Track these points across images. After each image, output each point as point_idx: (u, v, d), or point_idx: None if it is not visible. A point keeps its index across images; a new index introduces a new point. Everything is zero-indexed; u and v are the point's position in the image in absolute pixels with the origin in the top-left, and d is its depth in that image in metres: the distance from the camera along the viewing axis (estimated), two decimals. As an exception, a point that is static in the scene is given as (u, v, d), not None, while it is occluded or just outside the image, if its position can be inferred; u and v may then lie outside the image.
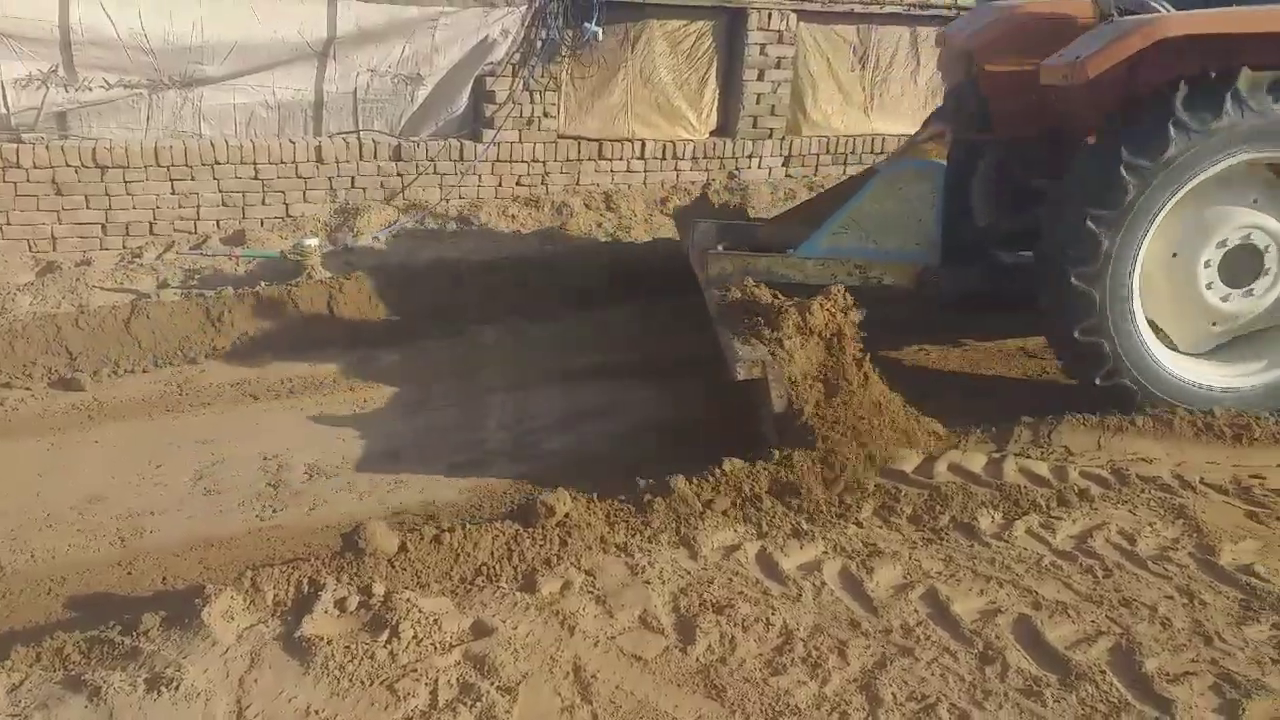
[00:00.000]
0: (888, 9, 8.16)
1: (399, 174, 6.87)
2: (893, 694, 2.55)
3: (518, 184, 7.24)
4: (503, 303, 5.50)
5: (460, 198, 7.05)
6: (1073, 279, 3.99)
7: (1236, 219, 4.11)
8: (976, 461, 3.74)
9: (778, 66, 7.90)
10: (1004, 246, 4.82)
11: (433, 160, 6.93)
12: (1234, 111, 3.84)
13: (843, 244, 4.52)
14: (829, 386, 3.70)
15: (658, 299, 5.59)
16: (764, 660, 2.66)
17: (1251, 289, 4.19)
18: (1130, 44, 3.87)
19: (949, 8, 8.35)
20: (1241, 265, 4.15)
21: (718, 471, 3.44)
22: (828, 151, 8.22)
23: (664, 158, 7.69)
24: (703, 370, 4.39)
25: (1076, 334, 4.06)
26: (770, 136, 8.01)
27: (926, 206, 4.50)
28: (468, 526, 3.06)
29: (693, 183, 7.70)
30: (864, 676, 2.61)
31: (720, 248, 4.75)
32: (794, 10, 7.85)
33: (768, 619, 2.81)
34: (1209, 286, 4.17)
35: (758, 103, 7.90)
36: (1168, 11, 4.08)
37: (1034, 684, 2.60)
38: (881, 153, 8.32)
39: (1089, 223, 3.93)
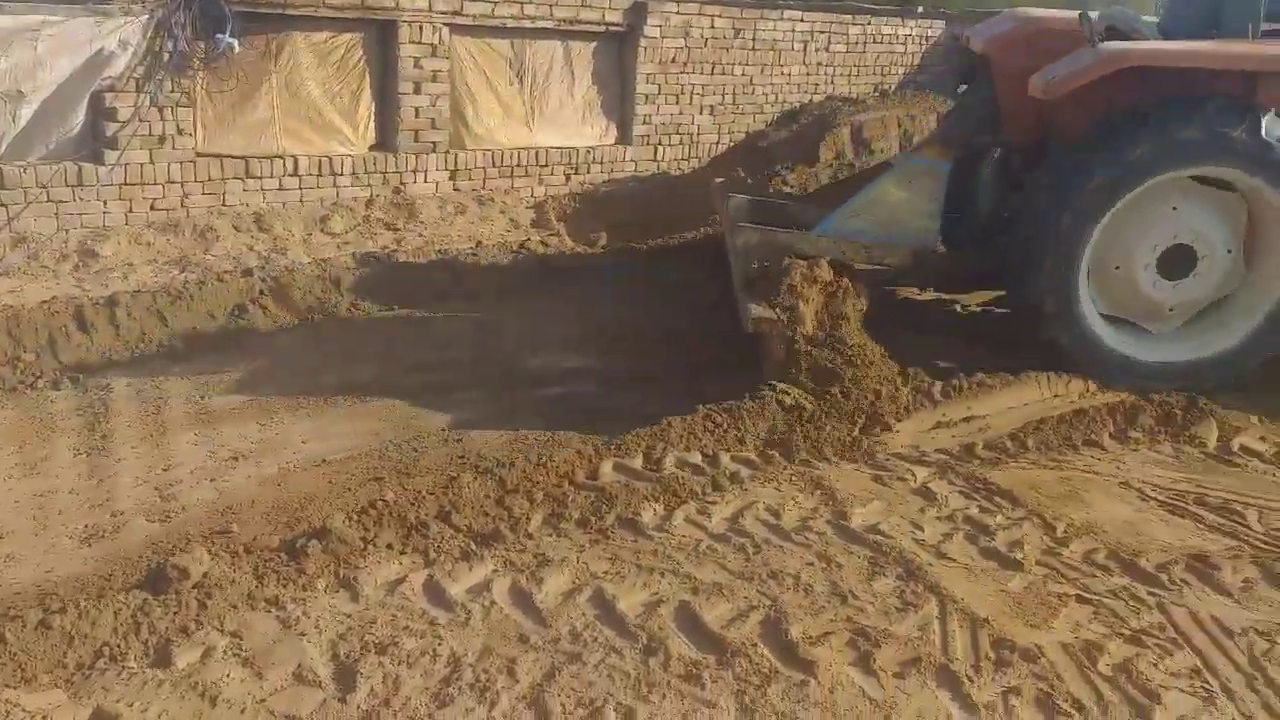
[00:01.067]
0: (539, 24, 8.31)
1: (2, 204, 6.01)
2: (561, 704, 2.55)
3: (152, 208, 6.58)
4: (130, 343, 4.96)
5: (82, 226, 6.29)
6: (1030, 249, 4.77)
7: (1164, 226, 4.86)
8: (638, 459, 3.86)
9: (434, 80, 7.79)
10: (1003, 233, 5.28)
11: (45, 187, 6.14)
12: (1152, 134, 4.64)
13: (853, 226, 5.09)
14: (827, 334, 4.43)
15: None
16: (430, 694, 2.56)
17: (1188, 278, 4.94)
18: (1090, 70, 4.65)
19: (598, 24, 8.66)
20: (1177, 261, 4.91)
21: (380, 504, 3.29)
22: (494, 164, 8.23)
23: (320, 174, 7.33)
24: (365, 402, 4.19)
25: (1028, 296, 4.88)
26: (434, 150, 7.89)
27: (931, 199, 5.07)
28: (83, 604, 2.69)
29: (354, 199, 7.41)
30: (533, 692, 2.59)
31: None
32: (446, 24, 7.78)
33: (434, 650, 2.71)
34: (1154, 285, 4.93)
35: (417, 116, 7.75)
36: (1145, 39, 4.92)
37: (694, 668, 2.71)
38: (545, 165, 8.48)
39: (1051, 207, 4.71)
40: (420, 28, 7.63)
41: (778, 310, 4.47)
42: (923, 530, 3.56)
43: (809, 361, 4.36)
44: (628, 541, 3.35)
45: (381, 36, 7.57)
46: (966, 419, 4.46)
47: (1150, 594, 3.23)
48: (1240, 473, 4.20)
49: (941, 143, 5.54)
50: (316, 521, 3.29)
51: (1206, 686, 2.76)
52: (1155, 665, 2.84)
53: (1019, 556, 3.42)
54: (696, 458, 3.94)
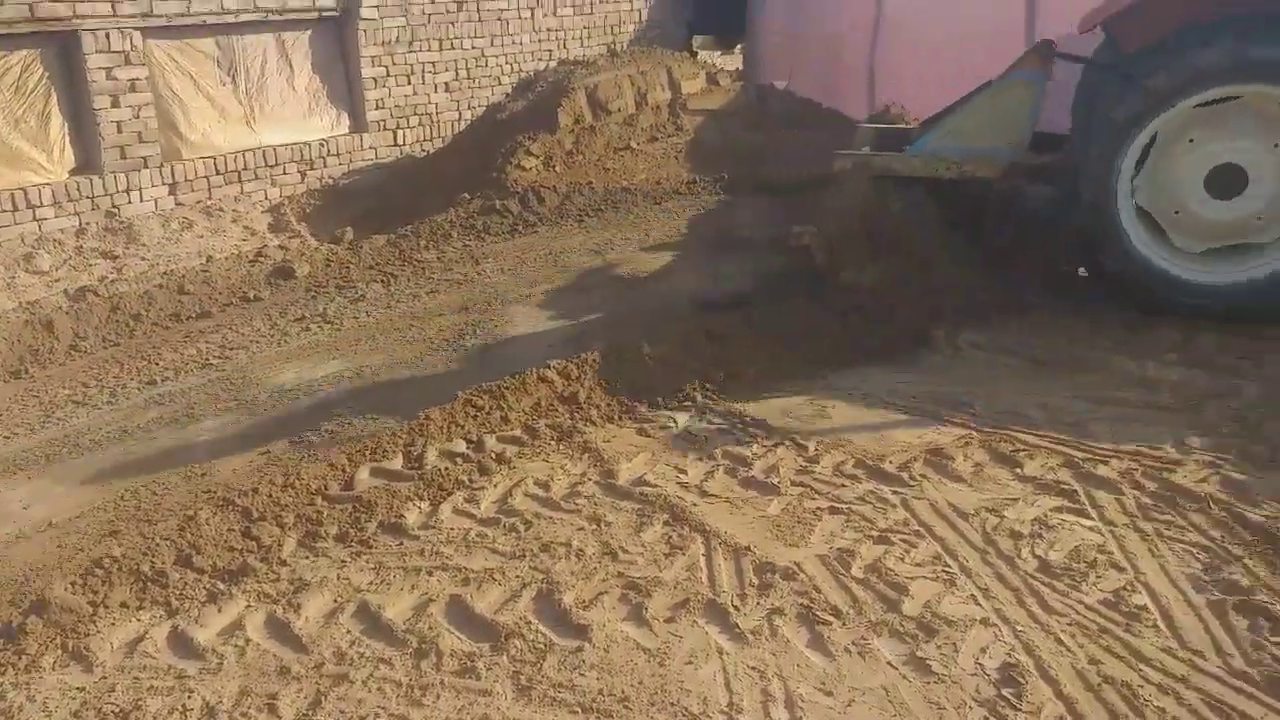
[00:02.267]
0: (244, 18, 7.81)
1: None
2: (330, 729, 2.44)
3: None
4: None
5: None
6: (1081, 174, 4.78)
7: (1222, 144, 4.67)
8: (397, 459, 3.74)
9: (133, 90, 7.18)
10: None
11: None
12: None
13: (947, 144, 5.25)
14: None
15: None
16: (183, 751, 2.38)
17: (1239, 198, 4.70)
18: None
19: (309, 10, 8.23)
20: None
21: (107, 560, 3.01)
22: (217, 172, 7.71)
23: (16, 208, 6.62)
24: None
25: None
26: (147, 165, 7.29)
27: (1024, 112, 5.14)
28: None
29: (61, 230, 6.75)
30: (298, 723, 2.46)
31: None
32: (136, 28, 7.16)
33: (184, 705, 2.52)
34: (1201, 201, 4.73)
35: (120, 131, 7.13)
36: None
37: (468, 660, 2.66)
38: (276, 164, 8.03)
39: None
40: (107, 35, 7.00)
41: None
42: (686, 473, 3.64)
43: None
44: (392, 547, 3.24)
45: (63, 50, 6.89)
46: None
47: (895, 493, 3.45)
48: (967, 366, 4.56)
49: (1037, 55, 5.42)
50: (39, 594, 2.97)
51: (947, 569, 2.97)
52: (902, 559, 3.04)
53: (775, 481, 3.56)
54: (460, 446, 3.86)
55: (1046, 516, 3.24)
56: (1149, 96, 4.64)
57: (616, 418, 4.12)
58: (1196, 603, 2.77)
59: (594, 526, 3.30)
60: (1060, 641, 2.62)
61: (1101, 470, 3.51)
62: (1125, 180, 4.79)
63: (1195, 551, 3.01)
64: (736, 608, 2.83)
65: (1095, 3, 5.21)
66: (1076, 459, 3.60)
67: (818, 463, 3.70)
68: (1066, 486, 3.42)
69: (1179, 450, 3.63)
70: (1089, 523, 3.20)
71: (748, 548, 3.12)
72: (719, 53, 11.70)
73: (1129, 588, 2.84)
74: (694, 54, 10.98)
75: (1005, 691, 2.44)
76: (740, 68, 10.98)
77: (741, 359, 4.54)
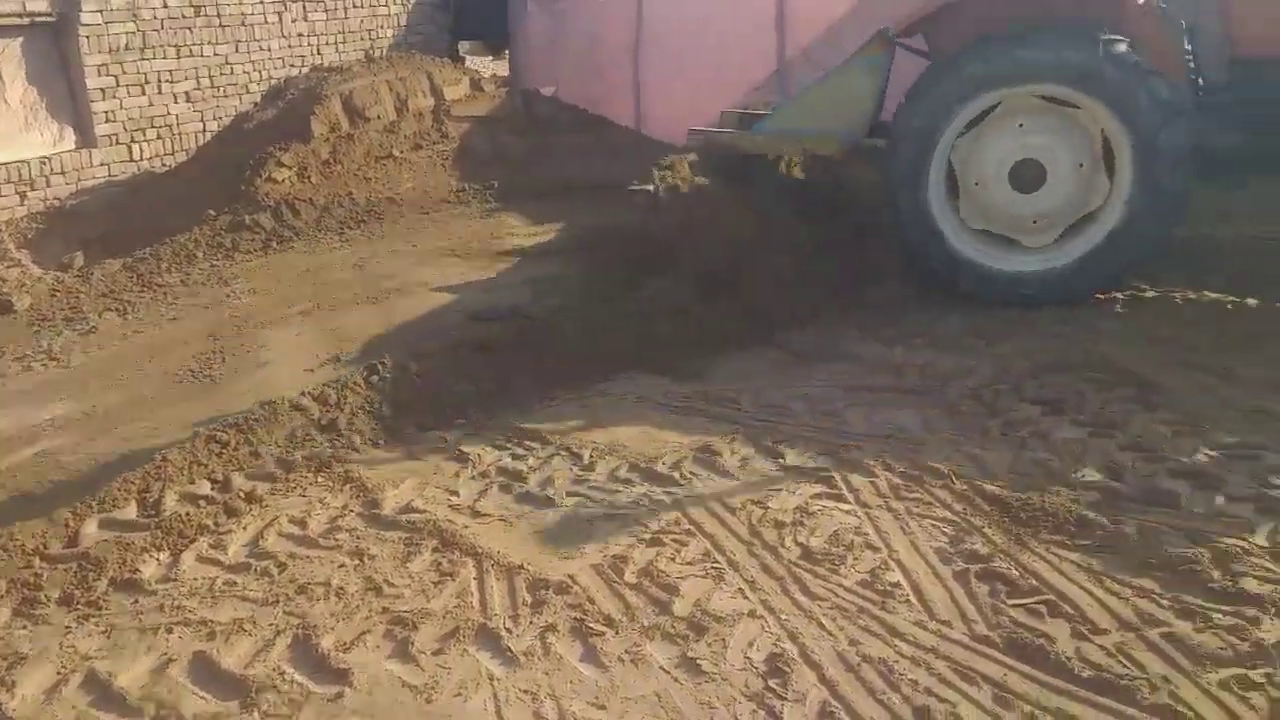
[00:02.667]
0: (-64, 21, 6.93)
1: None
2: (47, 825, 2.15)
3: None
4: None
5: None
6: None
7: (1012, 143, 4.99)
8: (130, 508, 3.39)
9: None
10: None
11: None
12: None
13: (789, 124, 5.41)
14: None
15: None
16: None
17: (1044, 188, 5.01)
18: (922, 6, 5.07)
19: (19, 15, 7.42)
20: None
21: None
22: (-81, 197, 6.79)
23: None
24: None
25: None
26: None
27: (866, 96, 5.29)
28: None
29: None
30: (7, 824, 2.15)
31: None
32: None
33: None
34: (1011, 199, 5.03)
35: None
36: None
37: (214, 723, 2.42)
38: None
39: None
40: None
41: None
42: (458, 495, 3.52)
43: None
44: (126, 606, 2.92)
45: None
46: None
47: (667, 494, 3.47)
48: (735, 363, 4.67)
49: (879, 41, 5.43)
50: None
51: (716, 565, 3.01)
52: (673, 559, 3.05)
53: (551, 493, 3.50)
54: (205, 487, 3.55)
55: (807, 504, 3.35)
56: (938, 103, 5.02)
57: (382, 442, 3.93)
58: (943, 574, 2.93)
59: (356, 562, 3.11)
60: (822, 626, 2.70)
61: (856, 455, 3.68)
62: (937, 187, 5.12)
63: (941, 525, 3.19)
64: (509, 630, 2.74)
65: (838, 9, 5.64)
66: (834, 446, 3.76)
67: (593, 470, 3.67)
68: (825, 473, 3.56)
69: (925, 430, 3.86)
70: (846, 506, 3.33)
71: (521, 566, 3.04)
72: (490, 58, 11.57)
73: (883, 566, 2.98)
74: (461, 60, 10.80)
75: (772, 683, 2.48)
76: (506, 74, 10.89)
77: (515, 371, 4.45)
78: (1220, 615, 2.65)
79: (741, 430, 3.95)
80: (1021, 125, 4.98)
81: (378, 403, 4.09)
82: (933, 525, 3.20)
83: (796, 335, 4.90)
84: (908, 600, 2.82)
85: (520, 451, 3.84)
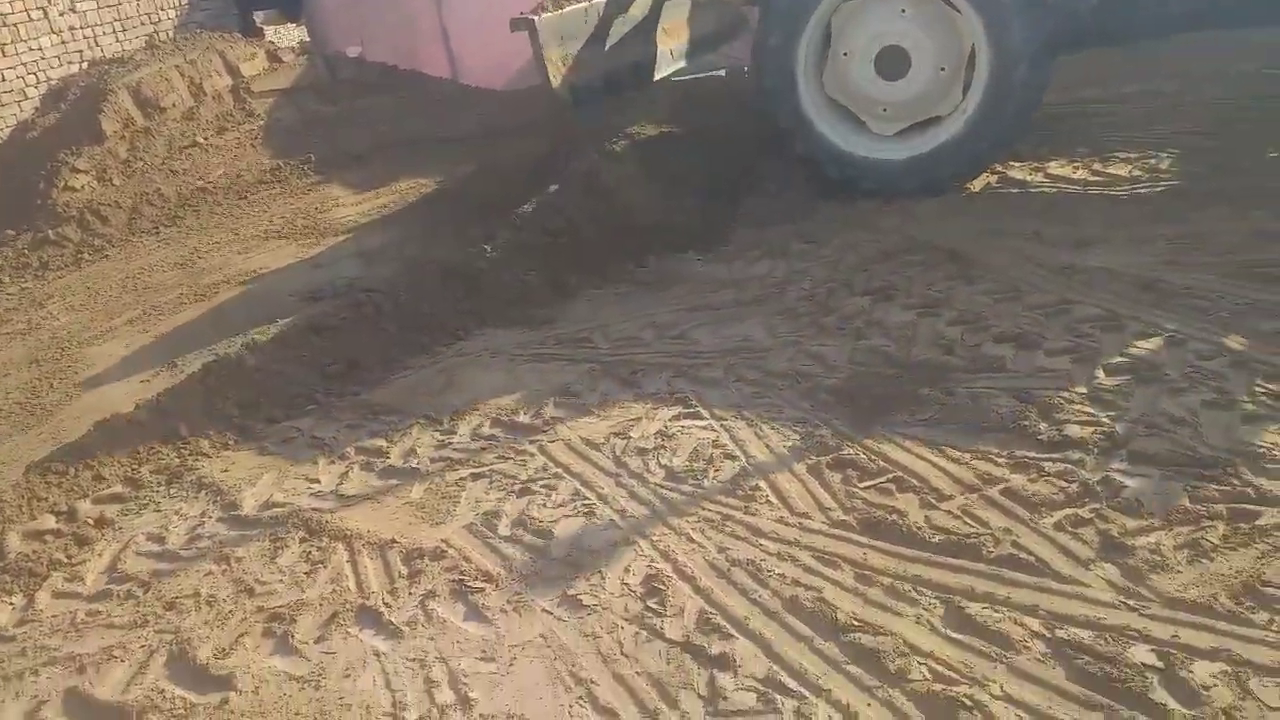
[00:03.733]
0: None
1: None
2: None
3: None
4: None
5: None
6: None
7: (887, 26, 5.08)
8: (-31, 555, 3.20)
9: None
10: None
11: None
12: None
13: None
14: None
15: None
16: None
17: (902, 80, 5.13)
18: None
19: None
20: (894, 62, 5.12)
21: None
22: None
23: None
24: None
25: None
26: None
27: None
28: None
29: None
30: None
31: None
32: None
33: None
34: (870, 80, 5.17)
35: None
36: None
37: (96, 757, 2.36)
38: None
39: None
40: None
41: None
42: (319, 482, 3.46)
43: None
44: (-19, 657, 2.78)
45: None
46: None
47: (531, 442, 3.50)
48: (582, 303, 4.70)
49: None
50: None
51: (586, 502, 3.07)
52: (545, 505, 3.09)
53: (415, 464, 3.48)
54: (49, 521, 3.38)
55: (667, 427, 3.44)
56: None
57: (232, 442, 3.81)
58: (798, 470, 3.08)
59: (223, 567, 3.04)
60: (692, 540, 2.80)
61: (707, 372, 3.79)
62: (805, 65, 5.29)
63: (792, 425, 3.34)
64: (388, 604, 2.75)
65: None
66: (686, 366, 3.86)
67: (455, 433, 3.66)
68: (681, 395, 3.65)
69: (769, 336, 4.00)
70: (703, 422, 3.44)
71: (394, 540, 3.03)
72: (294, 25, 10.99)
73: (743, 473, 3.10)
74: (259, 32, 10.22)
75: (650, 602, 2.58)
76: (306, 40, 10.40)
77: (360, 347, 4.36)
78: (1050, 463, 2.88)
79: (598, 367, 4.00)
80: (904, 11, 5.09)
81: (220, 403, 3.95)
82: (784, 426, 3.34)
83: (639, 268, 4.96)
84: (768, 500, 2.95)
85: (378, 427, 3.79)
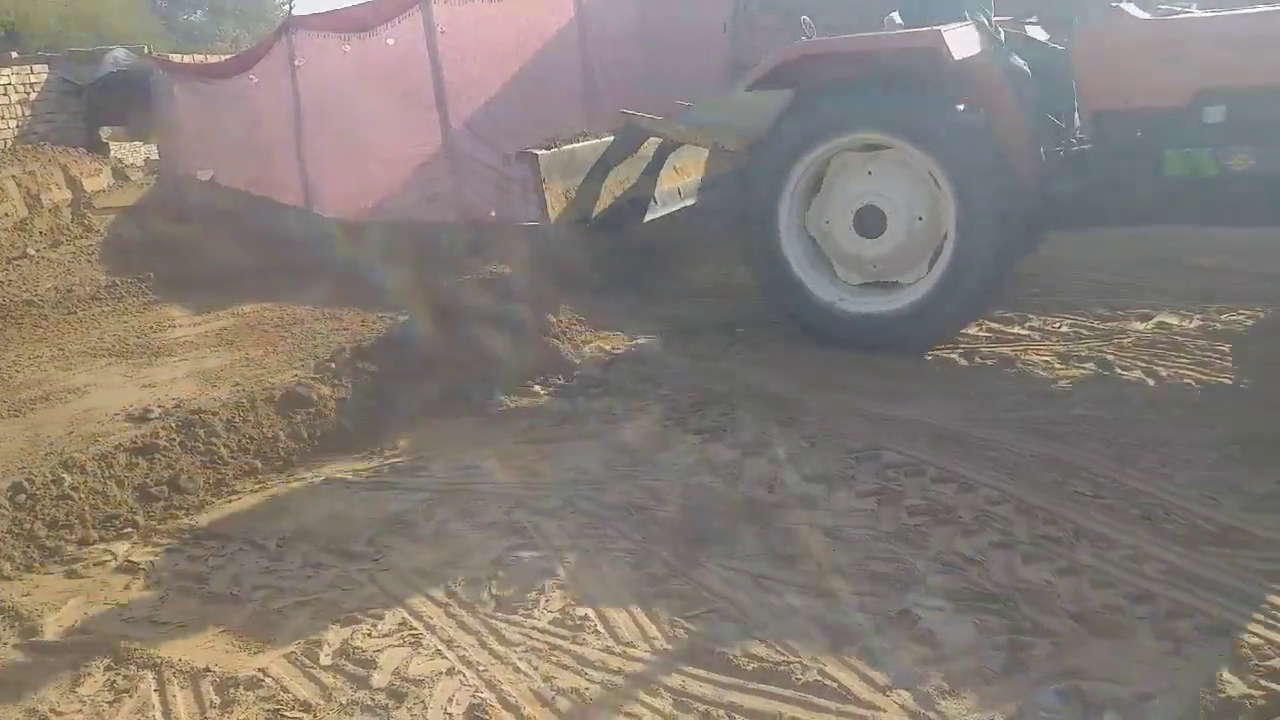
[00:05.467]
0: None
1: None
2: None
3: None
4: None
5: None
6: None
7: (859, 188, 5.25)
8: None
9: None
10: None
11: None
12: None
13: (705, 118, 5.86)
14: None
15: None
16: None
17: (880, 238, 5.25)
18: (770, 61, 5.39)
19: None
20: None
21: None
22: None
23: None
24: None
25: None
26: None
27: (771, 111, 5.44)
28: None
29: None
30: None
31: None
32: None
33: None
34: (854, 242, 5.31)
35: None
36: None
37: None
38: None
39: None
40: None
41: None
42: (129, 608, 3.30)
43: None
44: None
45: None
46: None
47: (361, 571, 3.47)
48: (422, 431, 4.74)
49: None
50: None
51: (414, 631, 3.06)
52: (370, 634, 3.06)
53: (237, 591, 3.38)
54: None
55: (502, 557, 3.49)
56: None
57: (37, 564, 3.60)
58: (627, 601, 3.18)
59: (15, 697, 2.84)
60: (518, 669, 2.84)
61: (547, 503, 3.88)
62: (789, 209, 5.42)
63: (624, 555, 3.45)
64: (197, 737, 2.64)
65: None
66: (525, 497, 3.94)
67: (282, 560, 3.59)
68: (519, 524, 3.72)
69: (606, 470, 4.15)
70: (539, 553, 3.51)
71: (207, 669, 2.92)
72: (141, 144, 10.84)
73: (573, 602, 3.18)
74: (105, 148, 10.05)
75: (473, 732, 2.58)
76: (155, 158, 10.28)
77: (185, 470, 4.24)
78: (854, 597, 3.09)
79: (436, 496, 4.03)
80: (870, 173, 5.24)
81: (27, 523, 3.73)
82: (616, 556, 3.45)
83: (485, 399, 5.06)
84: (596, 630, 3.03)
85: (199, 553, 3.67)
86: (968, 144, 4.93)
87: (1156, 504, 3.50)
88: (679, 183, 6.67)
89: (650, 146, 6.30)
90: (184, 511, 4.00)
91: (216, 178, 9.44)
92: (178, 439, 4.39)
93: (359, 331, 5.99)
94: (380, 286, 6.82)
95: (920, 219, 5.15)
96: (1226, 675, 2.58)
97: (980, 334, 5.47)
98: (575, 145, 5.97)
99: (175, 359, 5.97)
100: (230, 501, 4.10)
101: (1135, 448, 3.94)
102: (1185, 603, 2.91)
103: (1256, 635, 2.73)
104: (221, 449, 4.40)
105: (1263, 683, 2.54)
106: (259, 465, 4.38)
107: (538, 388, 5.21)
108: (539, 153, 5.69)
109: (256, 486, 4.22)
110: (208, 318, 6.74)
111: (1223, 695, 2.50)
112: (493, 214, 8.52)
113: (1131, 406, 4.32)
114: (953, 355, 5.18)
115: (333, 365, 5.17)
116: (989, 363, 5.08)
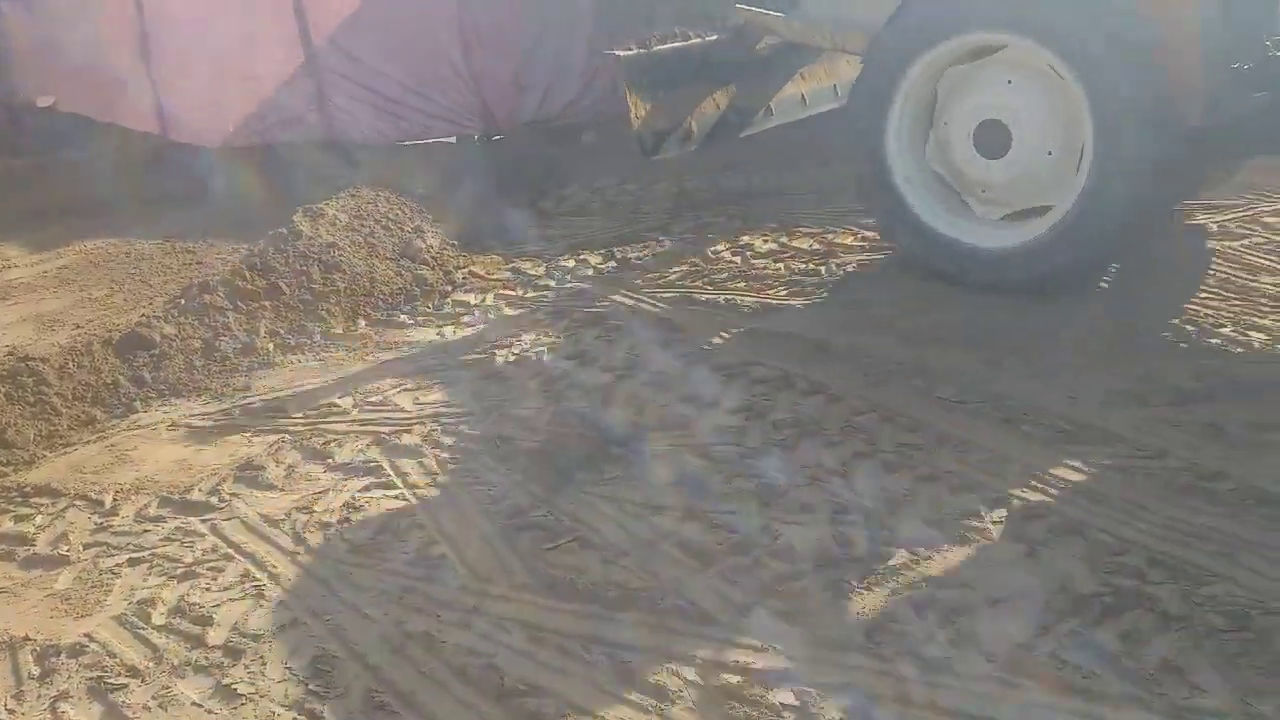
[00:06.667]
0: None
1: None
2: None
3: None
4: None
5: None
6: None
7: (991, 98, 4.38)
8: None
9: None
10: None
11: None
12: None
13: (824, 11, 5.03)
14: None
15: None
16: None
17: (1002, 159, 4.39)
18: None
19: None
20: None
21: None
22: None
23: None
24: None
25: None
26: None
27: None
28: None
29: None
30: None
31: None
32: None
33: None
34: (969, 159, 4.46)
35: None
36: None
37: None
38: None
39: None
40: None
41: None
42: (-58, 576, 3.03)
43: None
44: None
45: None
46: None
47: (203, 521, 3.25)
48: (278, 369, 4.48)
49: None
50: None
51: (256, 583, 2.88)
52: (208, 589, 2.87)
53: (65, 550, 3.14)
54: None
55: (355, 499, 3.32)
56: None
57: None
58: (488, 535, 3.05)
59: None
60: (366, 616, 2.69)
61: (406, 439, 3.70)
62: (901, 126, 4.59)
63: (486, 489, 3.31)
64: (12, 712, 2.43)
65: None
66: (384, 434, 3.76)
67: (116, 515, 3.34)
68: (374, 464, 3.54)
69: (473, 400, 3.98)
70: (394, 493, 3.35)
71: (26, 637, 2.70)
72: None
73: (430, 541, 3.03)
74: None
75: (314, 685, 2.43)
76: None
77: (13, 423, 3.90)
78: (718, 515, 3.02)
79: (288, 438, 3.81)
80: (1010, 83, 4.36)
81: None
82: (478, 490, 3.31)
83: (346, 330, 4.81)
84: (453, 569, 2.89)
85: (25, 512, 3.40)
86: (1125, 65, 4.00)
87: (1019, 406, 3.51)
88: (805, 89, 5.71)
89: (766, 49, 5.41)
90: (11, 468, 3.69)
91: (57, 104, 8.70)
92: (2, 390, 4.04)
93: (212, 266, 5.61)
94: (237, 216, 6.41)
95: (1049, 153, 4.32)
96: (1078, 574, 2.60)
97: (855, 244, 5.43)
98: (670, 46, 5.07)
99: (9, 303, 5.52)
100: (64, 455, 3.80)
101: (1003, 351, 3.95)
102: (1041, 504, 2.93)
103: (1107, 533, 2.76)
104: (54, 398, 4.07)
105: (1112, 579, 2.56)
106: (98, 414, 4.08)
107: (404, 317, 4.98)
108: (621, 54, 4.82)
109: (94, 437, 3.93)
110: (47, 256, 6.25)
111: (1073, 595, 2.52)
112: (361, 132, 8.12)
113: (1002, 310, 4.33)
114: (822, 267, 5.12)
115: (181, 302, 4.83)
116: (866, 272, 5.04)
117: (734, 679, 2.34)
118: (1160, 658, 2.28)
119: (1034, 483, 3.04)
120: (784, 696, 2.27)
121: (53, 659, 2.60)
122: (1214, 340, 3.94)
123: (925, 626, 2.46)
